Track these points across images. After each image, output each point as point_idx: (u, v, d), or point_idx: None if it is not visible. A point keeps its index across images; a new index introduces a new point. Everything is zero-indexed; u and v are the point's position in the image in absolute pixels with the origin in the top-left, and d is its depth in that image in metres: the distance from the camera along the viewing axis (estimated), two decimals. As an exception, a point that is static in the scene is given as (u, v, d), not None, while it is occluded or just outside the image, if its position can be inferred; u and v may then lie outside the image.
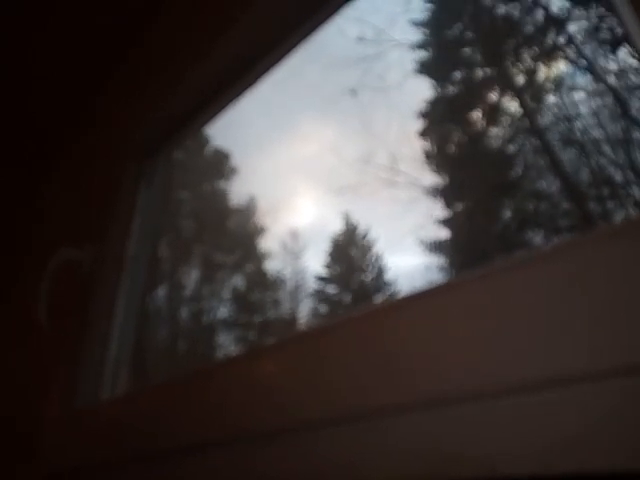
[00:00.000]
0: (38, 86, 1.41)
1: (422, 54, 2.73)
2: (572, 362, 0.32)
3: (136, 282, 1.05)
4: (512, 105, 2.25)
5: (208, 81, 1.05)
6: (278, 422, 0.51)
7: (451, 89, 2.61)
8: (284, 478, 0.49)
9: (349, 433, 0.44)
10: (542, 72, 2.16)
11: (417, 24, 2.78)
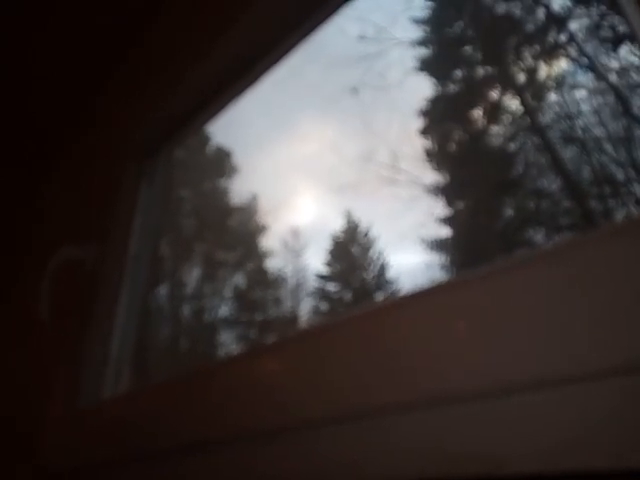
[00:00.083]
0: (38, 86, 1.41)
1: (423, 51, 2.73)
2: (573, 361, 0.32)
3: (138, 281, 1.05)
4: (513, 103, 2.24)
5: (208, 81, 1.05)
6: (280, 421, 0.51)
7: (452, 87, 2.61)
8: (286, 477, 0.49)
9: (351, 432, 0.44)
10: (543, 70, 2.15)
11: (418, 22, 2.78)
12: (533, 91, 2.18)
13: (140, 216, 1.10)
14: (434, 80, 2.61)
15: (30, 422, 1.00)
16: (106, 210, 1.11)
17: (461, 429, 0.37)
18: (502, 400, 0.35)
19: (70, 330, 1.00)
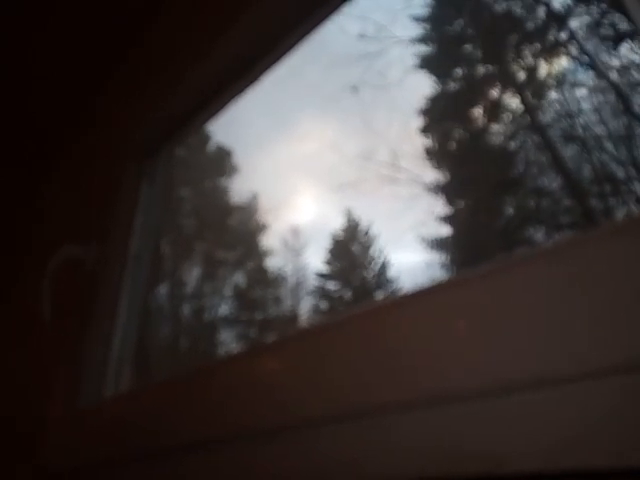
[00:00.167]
0: (38, 86, 1.41)
1: (423, 49, 2.72)
2: (573, 360, 0.32)
3: (138, 280, 1.05)
4: (513, 102, 2.24)
5: (208, 80, 1.05)
6: (280, 420, 0.51)
7: (452, 86, 2.60)
8: (286, 476, 0.49)
9: (351, 431, 0.44)
10: (543, 68, 2.15)
11: (418, 20, 2.78)
12: (533, 89, 2.18)
13: (141, 215, 1.10)
14: (434, 78, 2.61)
15: (30, 422, 1.00)
16: (106, 210, 1.11)
17: (461, 428, 0.37)
18: (502, 399, 0.35)
19: (71, 330, 1.00)
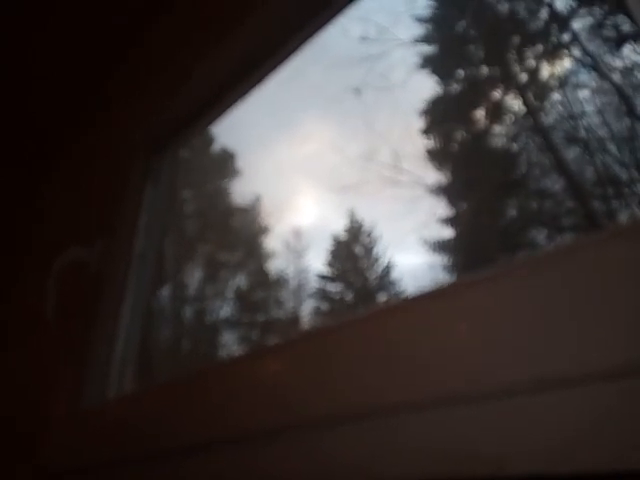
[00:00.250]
0: (38, 86, 1.41)
1: (425, 49, 2.73)
2: (574, 363, 0.32)
3: (143, 281, 1.05)
4: (516, 103, 2.24)
5: (210, 82, 1.05)
6: (282, 421, 0.50)
7: (454, 87, 2.60)
8: (289, 477, 0.48)
9: (354, 432, 0.44)
10: (546, 70, 2.15)
11: (421, 20, 2.78)
12: (536, 91, 2.17)
13: (145, 215, 1.10)
14: (436, 79, 2.61)
15: (30, 422, 1.00)
16: (111, 209, 1.11)
17: (463, 430, 0.37)
18: (504, 401, 0.35)
19: (74, 330, 1.00)
